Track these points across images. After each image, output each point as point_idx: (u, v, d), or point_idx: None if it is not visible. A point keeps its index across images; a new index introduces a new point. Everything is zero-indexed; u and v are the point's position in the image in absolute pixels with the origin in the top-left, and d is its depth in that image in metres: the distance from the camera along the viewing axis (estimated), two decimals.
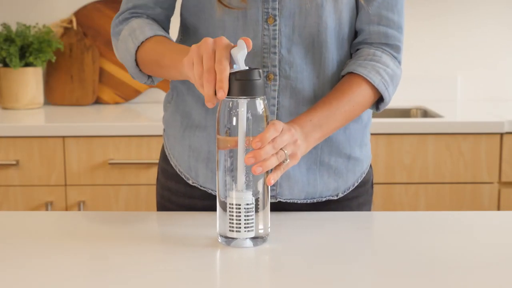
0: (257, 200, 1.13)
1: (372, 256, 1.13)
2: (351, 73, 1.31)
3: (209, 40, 1.11)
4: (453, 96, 3.00)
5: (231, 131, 1.12)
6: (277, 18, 1.28)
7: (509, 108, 2.75)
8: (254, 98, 1.11)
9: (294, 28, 1.29)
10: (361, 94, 1.30)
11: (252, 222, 1.13)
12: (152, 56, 1.28)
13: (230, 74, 1.11)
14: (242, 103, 1.10)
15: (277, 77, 1.30)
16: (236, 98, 1.10)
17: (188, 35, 1.38)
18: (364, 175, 1.42)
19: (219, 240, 1.15)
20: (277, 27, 1.28)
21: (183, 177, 1.39)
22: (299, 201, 1.36)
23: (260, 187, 1.14)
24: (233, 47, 1.11)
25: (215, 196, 1.35)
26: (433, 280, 1.01)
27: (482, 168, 2.43)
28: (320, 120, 1.25)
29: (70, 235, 1.23)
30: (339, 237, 1.21)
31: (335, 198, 1.38)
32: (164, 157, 1.44)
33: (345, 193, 1.39)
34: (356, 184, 1.40)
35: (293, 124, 1.21)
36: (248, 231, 1.12)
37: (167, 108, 1.44)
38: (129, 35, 1.31)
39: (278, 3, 1.28)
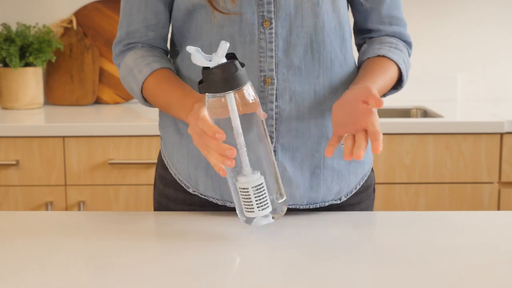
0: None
1: (372, 256, 1.13)
2: (379, 56, 1.34)
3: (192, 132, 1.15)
4: (453, 96, 3.00)
5: (225, 125, 1.12)
6: (272, 21, 1.27)
7: (509, 108, 2.75)
8: (240, 88, 1.11)
9: (291, 29, 1.28)
10: (393, 73, 1.34)
11: (266, 200, 1.15)
12: (157, 102, 1.32)
13: (207, 71, 1.10)
14: (229, 96, 1.10)
15: (275, 80, 1.29)
16: (220, 94, 1.10)
17: (181, 45, 1.36)
18: (366, 178, 1.41)
19: (240, 219, 1.18)
20: (273, 30, 1.28)
21: (183, 185, 1.37)
22: (301, 207, 1.35)
23: None
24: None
25: (215, 204, 1.36)
26: (433, 280, 1.01)
27: (482, 168, 2.43)
28: (379, 86, 1.29)
29: (70, 235, 1.23)
30: (340, 237, 1.21)
31: (338, 202, 1.37)
32: (162, 164, 1.42)
33: (348, 197, 1.38)
34: (358, 187, 1.40)
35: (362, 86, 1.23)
36: (263, 209, 1.15)
37: (162, 113, 1.42)
38: (129, 74, 1.35)
39: (273, 6, 1.27)
